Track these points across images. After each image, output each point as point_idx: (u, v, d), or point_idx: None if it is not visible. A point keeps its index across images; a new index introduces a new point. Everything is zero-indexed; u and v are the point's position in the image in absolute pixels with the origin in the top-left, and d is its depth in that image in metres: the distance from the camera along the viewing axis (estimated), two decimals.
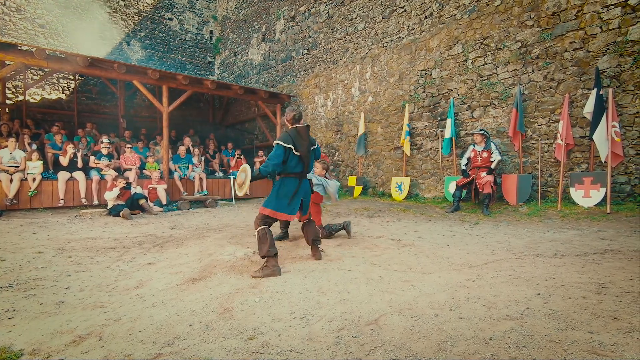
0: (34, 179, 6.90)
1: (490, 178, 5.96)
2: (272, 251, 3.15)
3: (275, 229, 4.88)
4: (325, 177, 4.58)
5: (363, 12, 8.97)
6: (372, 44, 8.78)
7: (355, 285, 2.82)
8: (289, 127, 3.57)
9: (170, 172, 8.69)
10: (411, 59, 7.91)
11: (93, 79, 12.00)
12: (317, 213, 4.57)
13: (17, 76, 10.12)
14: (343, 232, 4.87)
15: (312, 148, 3.57)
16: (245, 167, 3.46)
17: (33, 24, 11.26)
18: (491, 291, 2.57)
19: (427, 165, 7.71)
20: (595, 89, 5.09)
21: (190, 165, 9.14)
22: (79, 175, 7.42)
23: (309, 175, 3.73)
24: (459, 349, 1.80)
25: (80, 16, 12.09)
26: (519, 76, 6.19)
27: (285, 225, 4.80)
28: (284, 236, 4.79)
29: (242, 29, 13.70)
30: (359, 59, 9.13)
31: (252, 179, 3.35)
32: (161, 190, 7.99)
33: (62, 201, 7.22)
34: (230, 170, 10.17)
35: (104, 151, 7.98)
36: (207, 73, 15.09)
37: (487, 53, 6.60)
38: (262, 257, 3.18)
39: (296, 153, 3.40)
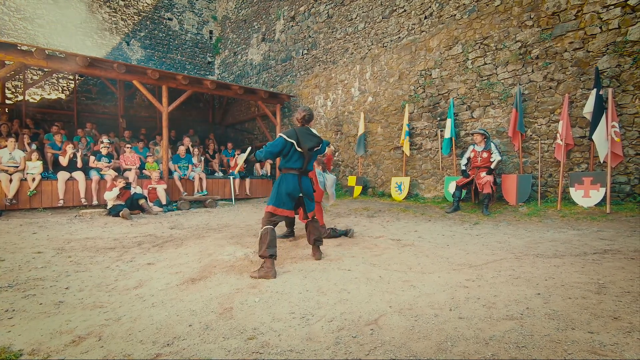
0: (33, 179, 6.90)
1: (490, 178, 5.96)
2: (268, 252, 3.11)
3: (282, 228, 4.87)
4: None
5: (363, 12, 8.97)
6: (372, 44, 8.77)
7: (355, 285, 2.81)
8: (298, 126, 3.57)
9: (170, 172, 8.69)
10: (411, 59, 7.91)
11: (93, 79, 12.00)
12: (318, 212, 4.57)
13: (17, 76, 10.11)
14: None
15: (316, 148, 3.53)
16: (248, 148, 3.68)
17: (33, 23, 11.25)
18: (491, 291, 2.57)
19: (427, 166, 7.71)
20: (595, 89, 5.09)
21: (190, 165, 9.13)
22: (78, 175, 7.41)
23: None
24: (459, 349, 1.80)
25: (80, 16, 12.08)
26: (518, 76, 6.19)
27: (290, 223, 4.74)
28: (289, 234, 4.76)
29: (242, 29, 13.70)
30: (358, 59, 9.12)
31: (246, 159, 3.57)
32: (161, 190, 7.99)
33: (61, 201, 7.22)
34: (230, 170, 10.16)
35: (104, 151, 7.98)
36: (207, 73, 15.08)
37: (487, 53, 6.60)
38: (260, 257, 3.18)
39: (299, 149, 3.40)
